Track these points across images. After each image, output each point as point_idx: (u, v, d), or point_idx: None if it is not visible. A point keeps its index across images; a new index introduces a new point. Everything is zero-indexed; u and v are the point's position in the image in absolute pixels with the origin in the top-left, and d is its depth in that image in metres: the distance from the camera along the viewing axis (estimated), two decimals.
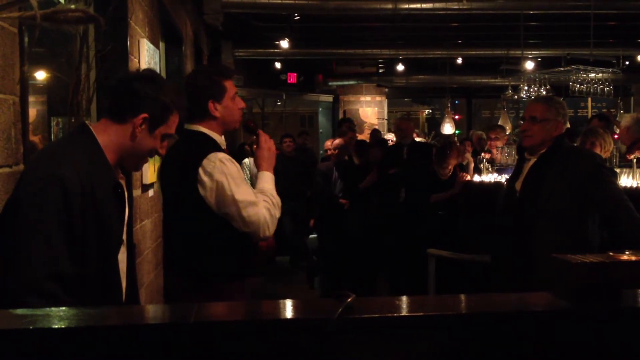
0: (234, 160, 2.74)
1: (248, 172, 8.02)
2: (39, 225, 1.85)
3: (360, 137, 9.48)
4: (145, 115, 2.08)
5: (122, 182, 2.16)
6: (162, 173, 3.04)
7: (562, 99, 3.86)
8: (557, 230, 3.30)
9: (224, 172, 2.65)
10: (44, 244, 1.85)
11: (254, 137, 2.94)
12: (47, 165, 1.94)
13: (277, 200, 2.77)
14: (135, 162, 2.21)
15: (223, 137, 2.90)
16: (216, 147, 2.74)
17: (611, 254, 1.62)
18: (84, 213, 1.91)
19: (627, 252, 1.63)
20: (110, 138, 2.07)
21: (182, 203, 2.78)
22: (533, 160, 3.49)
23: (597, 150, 4.68)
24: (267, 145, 2.87)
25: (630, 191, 4.27)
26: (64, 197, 1.88)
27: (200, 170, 2.65)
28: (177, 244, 2.87)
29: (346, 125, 8.28)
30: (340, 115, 14.79)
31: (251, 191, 2.72)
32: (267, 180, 2.82)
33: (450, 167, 6.23)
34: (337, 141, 7.40)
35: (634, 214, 3.27)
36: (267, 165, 2.85)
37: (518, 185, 3.52)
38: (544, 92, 8.08)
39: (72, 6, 1.94)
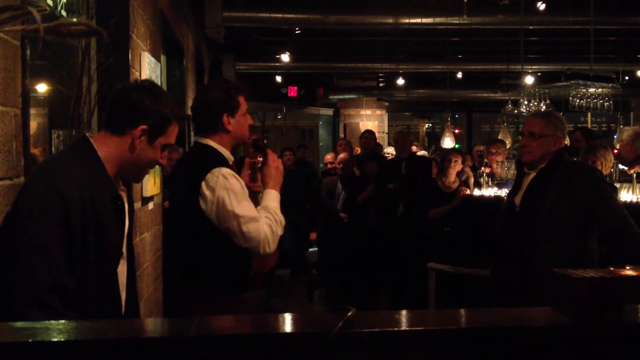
0: (237, 177, 2.73)
1: None
2: (39, 237, 1.85)
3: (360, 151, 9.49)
4: (144, 126, 2.08)
5: (123, 194, 2.16)
6: (170, 185, 3.07)
7: (561, 113, 3.87)
8: (557, 245, 3.29)
9: (226, 188, 2.65)
10: (44, 256, 1.84)
11: (261, 155, 2.93)
12: (46, 178, 1.94)
13: (280, 218, 2.76)
14: (136, 174, 2.21)
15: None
16: (222, 162, 2.74)
17: (612, 269, 1.62)
18: (83, 225, 1.91)
19: (628, 267, 1.62)
20: (110, 150, 2.07)
21: (184, 216, 2.78)
22: (533, 175, 3.49)
23: (598, 168, 4.68)
24: (275, 164, 2.86)
25: (630, 206, 4.27)
26: (64, 209, 1.87)
27: (203, 185, 2.65)
28: (178, 255, 2.87)
29: (366, 134, 8.24)
30: (341, 129, 14.84)
31: (253, 207, 2.72)
32: (273, 198, 2.81)
33: (452, 176, 6.23)
34: (342, 156, 7.44)
35: (635, 229, 3.27)
36: (273, 184, 2.84)
37: (518, 199, 3.52)
38: (544, 107, 8.08)
39: (75, 19, 1.95)
